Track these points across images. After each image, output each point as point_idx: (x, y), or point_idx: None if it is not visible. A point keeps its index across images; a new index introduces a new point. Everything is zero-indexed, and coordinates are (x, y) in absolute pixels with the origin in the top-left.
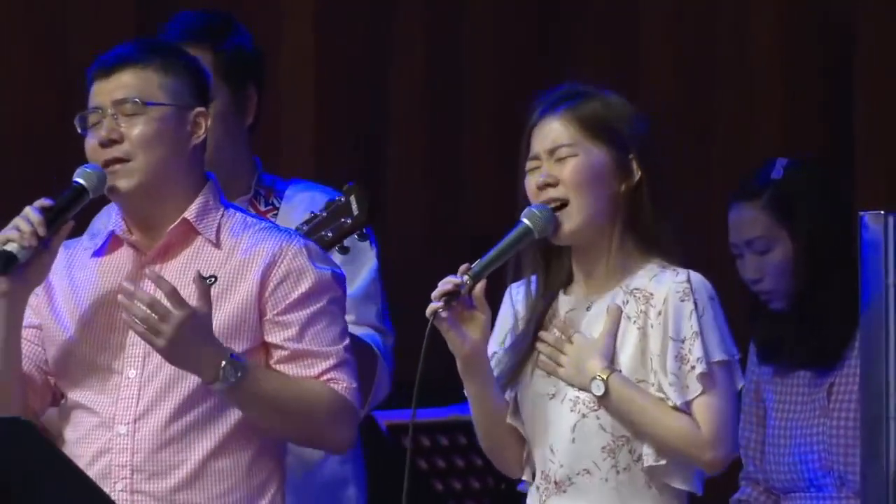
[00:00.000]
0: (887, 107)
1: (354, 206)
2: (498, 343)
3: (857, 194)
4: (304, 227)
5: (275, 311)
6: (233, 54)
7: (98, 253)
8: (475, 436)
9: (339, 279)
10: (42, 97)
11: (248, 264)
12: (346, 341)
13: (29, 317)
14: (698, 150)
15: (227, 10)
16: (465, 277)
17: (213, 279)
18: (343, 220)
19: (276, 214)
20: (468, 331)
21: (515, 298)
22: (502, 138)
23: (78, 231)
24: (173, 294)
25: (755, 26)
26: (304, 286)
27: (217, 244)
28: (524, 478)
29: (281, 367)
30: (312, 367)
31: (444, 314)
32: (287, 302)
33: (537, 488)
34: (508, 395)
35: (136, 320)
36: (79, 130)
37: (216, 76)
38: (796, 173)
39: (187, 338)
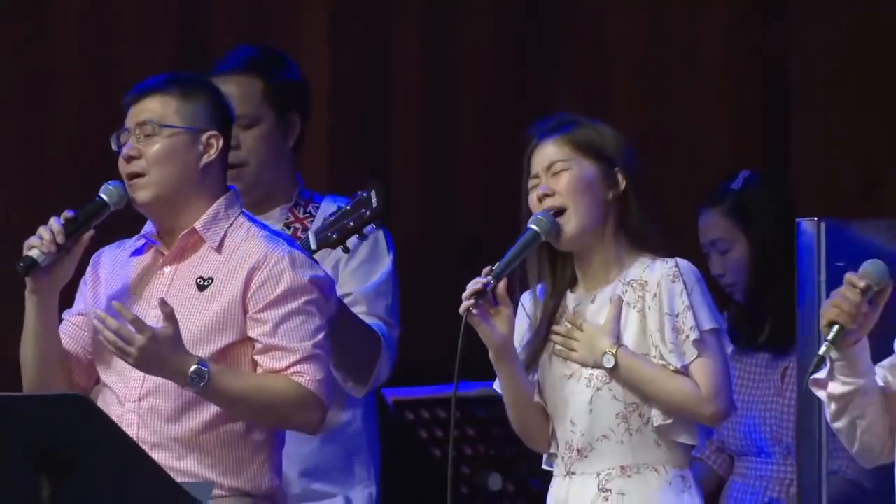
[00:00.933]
0: (819, 127)
1: (374, 200)
2: (518, 342)
3: (794, 203)
4: (331, 217)
5: (254, 310)
6: (281, 85)
7: (136, 253)
8: (469, 410)
9: (320, 283)
10: (92, 120)
11: (239, 267)
12: (319, 338)
13: (79, 305)
14: (661, 165)
15: (275, 45)
16: (490, 278)
17: (209, 280)
18: (364, 210)
19: (312, 220)
20: (496, 324)
21: (526, 305)
22: (491, 153)
23: (105, 238)
24: (136, 321)
25: (703, 61)
26: (280, 289)
27: (219, 249)
28: (551, 450)
29: (257, 358)
30: (281, 360)
31: (475, 311)
32: (265, 302)
33: (562, 458)
34: (533, 378)
35: (108, 343)
36: (113, 148)
37: (265, 103)
38: (754, 185)
39: (152, 355)
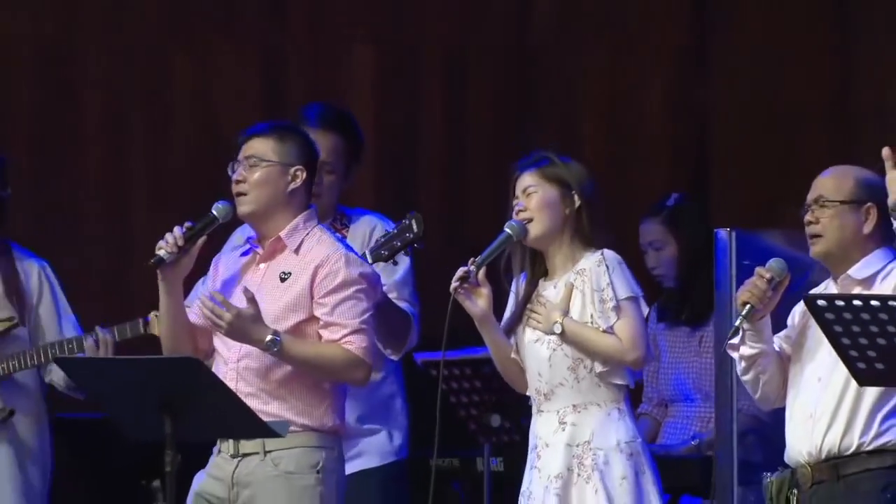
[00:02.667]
0: (732, 160)
1: (415, 226)
2: (504, 321)
3: (713, 216)
4: (382, 239)
5: (318, 296)
6: (353, 141)
7: (244, 254)
8: (477, 368)
9: (367, 277)
10: (203, 158)
11: (309, 265)
12: (365, 316)
13: (203, 289)
14: (616, 187)
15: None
16: (472, 267)
17: (288, 274)
18: (408, 234)
19: (348, 229)
20: (477, 300)
21: (514, 289)
22: (493, 180)
23: (220, 240)
24: (225, 302)
25: (648, 113)
26: (337, 280)
27: (297, 251)
28: (527, 392)
29: (321, 332)
30: (336, 332)
31: (461, 291)
32: (325, 290)
33: (534, 400)
34: (512, 341)
35: (206, 318)
36: (229, 172)
37: (341, 159)
38: (682, 203)
39: (237, 327)
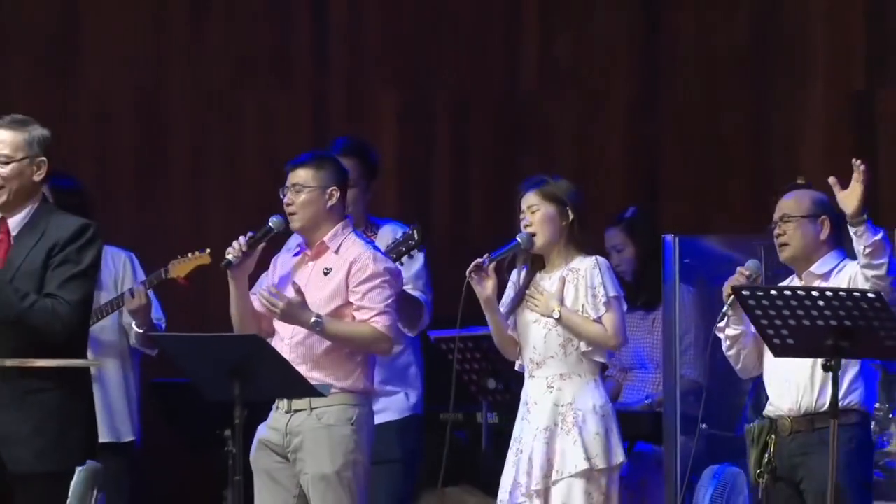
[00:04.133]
0: (677, 181)
1: (416, 235)
2: (507, 301)
3: (661, 225)
4: (392, 244)
5: (352, 286)
6: (368, 163)
7: (295, 255)
8: (479, 343)
9: (391, 272)
10: (266, 179)
11: (345, 262)
12: (389, 301)
13: (267, 283)
14: (591, 203)
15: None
16: (486, 259)
17: (330, 270)
18: (410, 241)
19: (376, 235)
20: (485, 286)
21: (514, 280)
22: (493, 199)
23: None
24: (278, 293)
25: (607, 146)
26: (366, 273)
27: (337, 252)
28: (519, 361)
29: (354, 314)
30: (366, 314)
31: (475, 276)
32: (357, 281)
33: (527, 368)
34: (511, 321)
35: (264, 306)
36: (281, 196)
37: (362, 176)
38: (638, 215)
39: (287, 313)
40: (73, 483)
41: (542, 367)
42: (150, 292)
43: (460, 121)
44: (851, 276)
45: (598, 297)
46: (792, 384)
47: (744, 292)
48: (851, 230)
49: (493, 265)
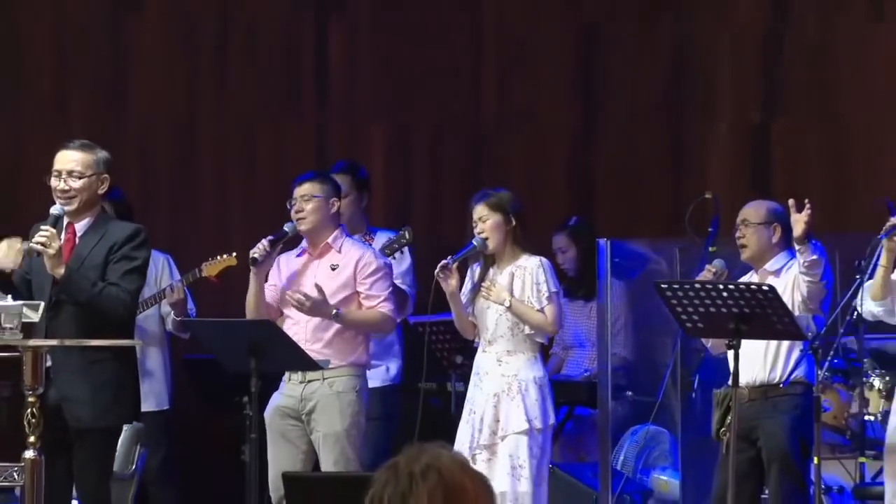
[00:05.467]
0: (609, 195)
1: (407, 235)
2: (466, 292)
3: (597, 229)
4: (387, 242)
5: (359, 279)
6: (358, 178)
7: (299, 255)
8: (448, 326)
9: (388, 266)
10: (276, 198)
11: (351, 260)
12: (390, 290)
13: (273, 279)
14: (539, 212)
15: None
16: (450, 260)
17: (336, 266)
18: (402, 240)
19: (373, 239)
20: (450, 282)
21: (471, 275)
22: (461, 210)
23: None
24: (304, 294)
25: (556, 164)
26: (371, 268)
27: (339, 251)
28: (477, 339)
29: (362, 301)
30: (372, 301)
31: (441, 275)
32: (364, 275)
33: (481, 345)
34: (469, 308)
35: (294, 303)
36: (288, 206)
37: (353, 188)
38: (579, 223)
39: (313, 309)
40: (120, 439)
41: (494, 344)
42: (186, 288)
43: (435, 146)
44: (796, 274)
45: (541, 292)
46: (750, 359)
47: (662, 285)
48: (796, 247)
49: (455, 264)
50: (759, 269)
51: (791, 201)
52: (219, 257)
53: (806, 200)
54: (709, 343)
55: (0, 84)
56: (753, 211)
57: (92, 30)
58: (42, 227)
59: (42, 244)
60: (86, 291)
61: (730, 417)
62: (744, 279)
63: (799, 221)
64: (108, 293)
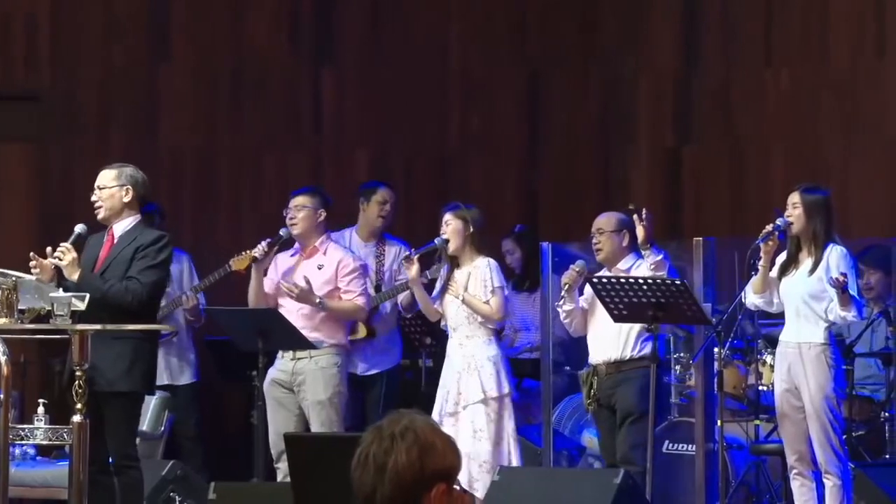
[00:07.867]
0: (551, 207)
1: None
2: (438, 289)
3: (540, 234)
4: (423, 249)
5: (340, 276)
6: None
7: (293, 255)
8: (419, 313)
9: (364, 267)
10: (278, 210)
11: (334, 260)
12: (365, 286)
13: (271, 274)
14: (491, 221)
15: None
16: (413, 252)
17: (322, 266)
18: (436, 251)
19: (385, 246)
20: (412, 270)
21: (442, 274)
22: (434, 222)
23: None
24: (295, 285)
25: (507, 183)
26: (349, 268)
27: (324, 253)
28: (442, 322)
29: (342, 295)
30: (350, 295)
31: (405, 263)
32: (343, 273)
33: (448, 332)
34: (438, 300)
35: (287, 291)
36: (284, 214)
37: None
38: (525, 230)
39: (300, 297)
40: (150, 406)
41: (456, 330)
42: (200, 293)
43: (410, 167)
44: (644, 272)
45: (487, 287)
46: (606, 342)
47: (594, 279)
48: (642, 250)
49: (417, 256)
50: (612, 268)
51: (635, 216)
52: (244, 253)
53: (644, 210)
54: (570, 328)
55: (58, 122)
56: (606, 220)
57: (131, 76)
58: (61, 245)
59: (58, 258)
60: (97, 290)
61: (594, 391)
62: (600, 274)
63: (640, 228)
64: (116, 288)
